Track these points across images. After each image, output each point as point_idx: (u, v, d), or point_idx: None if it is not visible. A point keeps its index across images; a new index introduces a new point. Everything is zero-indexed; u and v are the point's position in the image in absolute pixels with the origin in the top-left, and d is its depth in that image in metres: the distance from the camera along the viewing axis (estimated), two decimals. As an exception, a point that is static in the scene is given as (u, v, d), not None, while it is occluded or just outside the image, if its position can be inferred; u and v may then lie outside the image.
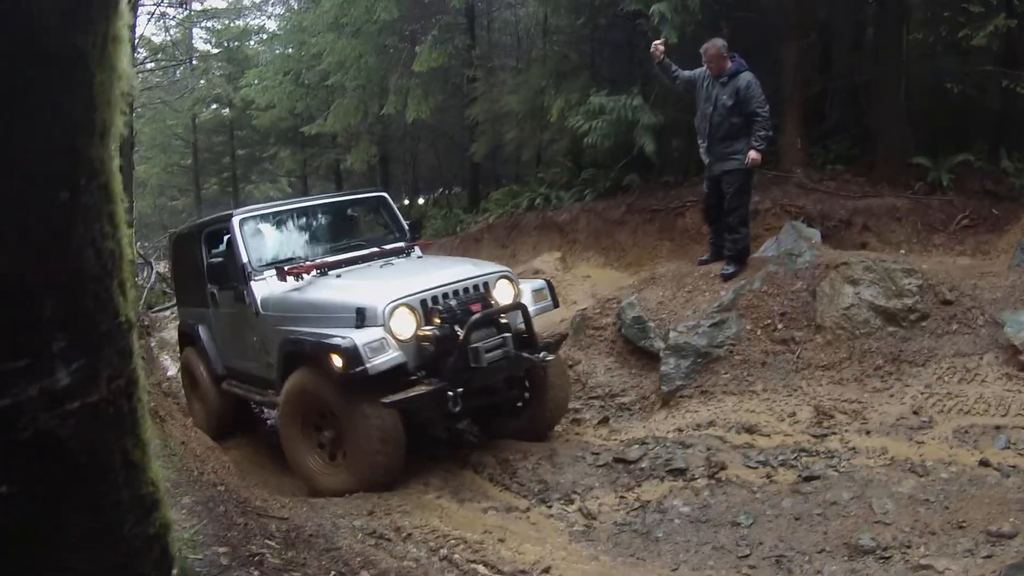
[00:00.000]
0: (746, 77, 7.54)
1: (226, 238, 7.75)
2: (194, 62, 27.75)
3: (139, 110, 23.12)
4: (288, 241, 7.78)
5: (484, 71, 15.75)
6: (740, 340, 7.27)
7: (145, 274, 19.88)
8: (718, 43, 7.66)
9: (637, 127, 10.95)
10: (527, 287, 6.90)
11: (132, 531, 1.86)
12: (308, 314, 6.43)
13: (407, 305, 6.01)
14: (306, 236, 8.00)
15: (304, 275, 6.81)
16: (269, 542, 4.86)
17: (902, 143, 10.58)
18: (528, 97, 13.48)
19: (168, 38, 23.72)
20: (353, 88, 16.62)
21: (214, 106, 28.49)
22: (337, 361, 5.67)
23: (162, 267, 21.86)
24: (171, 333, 14.06)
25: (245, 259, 7.11)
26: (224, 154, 29.69)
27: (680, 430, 6.45)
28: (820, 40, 12.09)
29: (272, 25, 26.95)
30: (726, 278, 8.00)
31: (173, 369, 11.86)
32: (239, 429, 8.62)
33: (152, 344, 12.91)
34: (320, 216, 8.33)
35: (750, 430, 6.13)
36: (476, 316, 6.05)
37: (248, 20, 27.94)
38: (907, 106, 10.75)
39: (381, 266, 7.23)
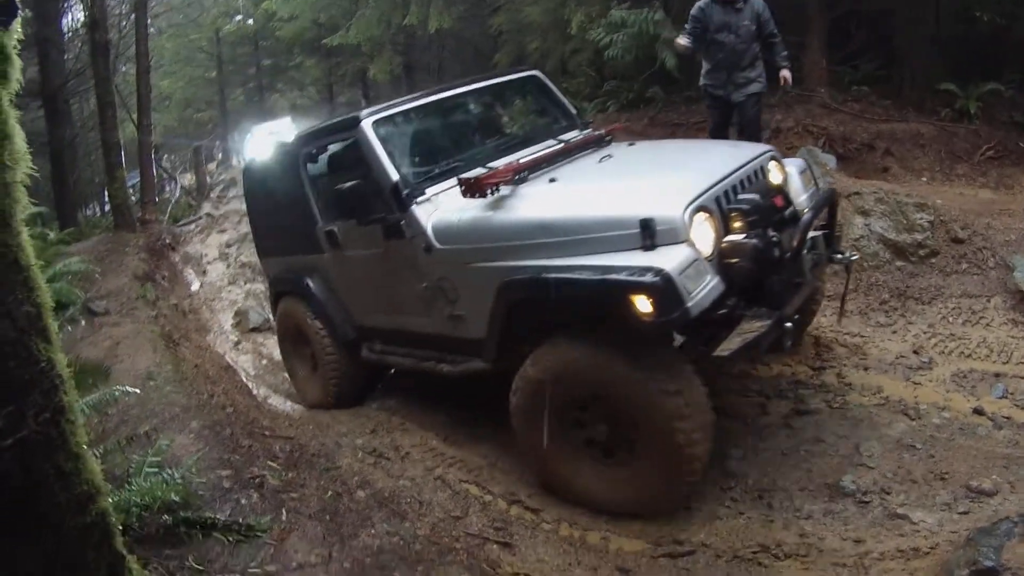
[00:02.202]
0: (759, 0, 7.31)
1: (336, 153, 6.11)
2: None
3: (161, 26, 23.04)
4: (441, 147, 5.93)
5: (507, -21, 15.41)
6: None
7: (170, 189, 20.05)
8: None
9: (659, 41, 10.66)
10: (792, 169, 5.34)
11: (71, 523, 2.27)
12: (540, 239, 4.48)
13: (704, 208, 4.25)
14: (461, 137, 6.24)
15: (498, 187, 4.91)
16: (272, 463, 5.01)
17: (931, 68, 10.30)
18: (550, 8, 13.16)
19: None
20: (375, -1, 16.40)
21: (238, 18, 28.14)
22: (643, 304, 3.86)
23: (187, 180, 22.11)
24: (195, 247, 14.26)
25: (395, 176, 5.24)
26: (249, 65, 29.32)
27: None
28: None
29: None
30: None
31: (196, 285, 12.01)
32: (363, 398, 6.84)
33: (176, 260, 13.06)
34: (472, 109, 6.49)
35: (751, 359, 5.96)
36: (808, 214, 4.55)
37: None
38: (937, 31, 10.44)
39: (599, 160, 5.32)
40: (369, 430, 5.80)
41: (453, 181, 5.24)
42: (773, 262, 4.30)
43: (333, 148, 6.08)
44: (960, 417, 4.94)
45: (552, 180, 4.99)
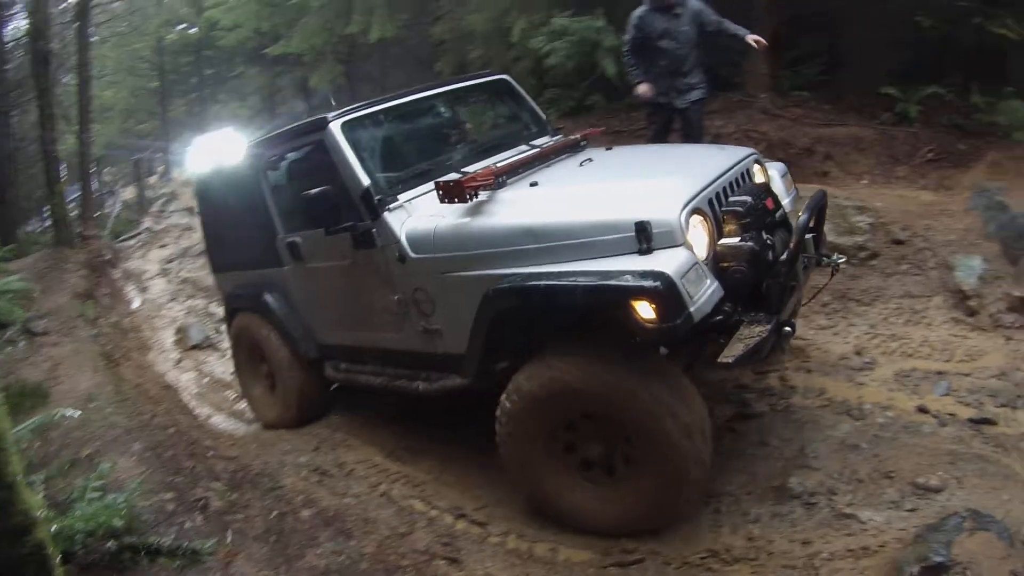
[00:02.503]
0: (696, 1, 7.28)
1: (301, 158, 5.66)
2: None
3: (104, 35, 22.81)
4: (412, 151, 5.70)
5: (450, -12, 15.40)
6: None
7: (111, 203, 19.77)
8: None
9: (600, 49, 10.70)
10: (775, 172, 5.29)
11: (5, 555, 2.31)
12: (527, 245, 4.23)
13: (699, 210, 4.08)
14: (432, 141, 5.99)
15: (478, 191, 4.63)
16: (215, 484, 4.94)
17: (872, 73, 10.45)
18: (492, 16, 13.09)
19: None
20: (318, 7, 16.32)
21: (181, 26, 27.97)
22: (645, 310, 3.65)
23: (128, 193, 21.83)
24: (136, 263, 14.04)
25: (366, 181, 4.93)
26: (191, 75, 29.29)
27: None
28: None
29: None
30: None
31: (137, 301, 11.81)
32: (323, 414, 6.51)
33: (117, 276, 12.85)
34: (442, 112, 6.25)
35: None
36: (804, 216, 4.38)
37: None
38: (879, 36, 10.59)
39: (580, 164, 5.18)
40: (312, 447, 5.75)
41: (427, 186, 5.01)
42: (768, 265, 4.14)
43: (297, 153, 5.70)
44: (904, 416, 4.96)
45: (533, 184, 4.76)
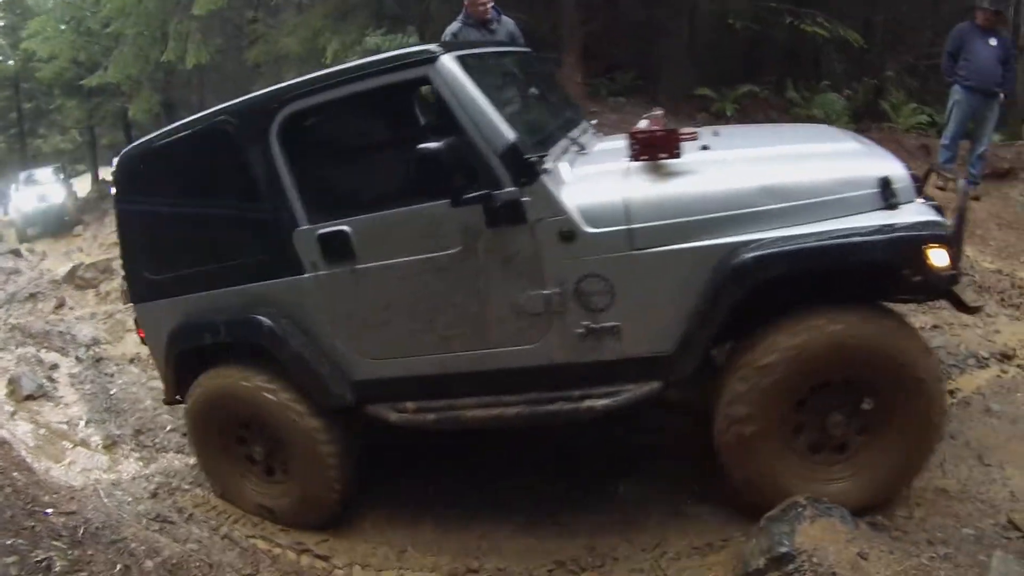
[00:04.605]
0: (510, 19, 7.29)
1: (358, 113, 4.51)
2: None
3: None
4: (513, 111, 4.36)
5: (265, 12, 15.36)
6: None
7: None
8: None
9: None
10: None
11: None
12: (763, 206, 3.56)
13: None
14: (519, 104, 4.75)
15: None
16: (56, 543, 4.75)
17: (686, 75, 10.90)
18: (307, 38, 13.14)
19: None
20: (133, 35, 16.02)
21: (-2, 59, 26.88)
22: (939, 257, 3.40)
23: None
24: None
25: (511, 135, 3.71)
26: (9, 109, 28.11)
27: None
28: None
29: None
30: None
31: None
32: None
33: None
34: (516, 75, 5.05)
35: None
36: (965, 181, 4.10)
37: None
38: (692, 40, 11.06)
39: (714, 134, 4.39)
40: (150, 494, 5.61)
41: (558, 149, 4.14)
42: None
43: (354, 104, 4.22)
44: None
45: (704, 147, 4.01)
